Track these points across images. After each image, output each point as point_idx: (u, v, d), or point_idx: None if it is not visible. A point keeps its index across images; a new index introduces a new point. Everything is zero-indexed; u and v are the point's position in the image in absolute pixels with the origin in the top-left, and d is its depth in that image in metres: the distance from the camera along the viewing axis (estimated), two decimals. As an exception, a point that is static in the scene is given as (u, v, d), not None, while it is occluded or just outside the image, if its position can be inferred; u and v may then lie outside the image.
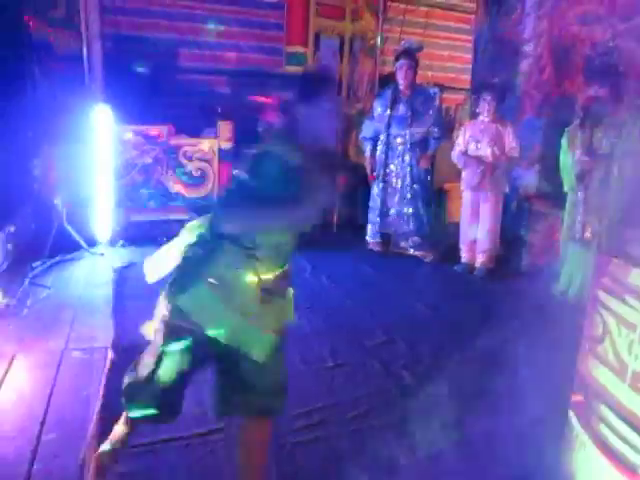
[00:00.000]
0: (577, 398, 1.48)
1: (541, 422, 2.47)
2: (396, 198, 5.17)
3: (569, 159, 4.03)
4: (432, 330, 3.56)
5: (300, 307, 3.76)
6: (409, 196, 5.12)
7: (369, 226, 5.36)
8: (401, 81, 5.01)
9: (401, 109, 5.03)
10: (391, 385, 2.80)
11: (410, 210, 5.13)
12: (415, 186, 5.11)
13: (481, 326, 3.61)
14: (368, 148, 5.29)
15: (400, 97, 5.06)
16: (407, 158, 5.07)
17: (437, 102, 5.28)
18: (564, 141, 4.09)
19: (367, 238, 5.38)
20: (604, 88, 3.77)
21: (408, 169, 5.08)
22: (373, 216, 5.31)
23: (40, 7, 4.91)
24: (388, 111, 5.05)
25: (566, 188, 4.12)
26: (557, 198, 4.43)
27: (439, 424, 2.43)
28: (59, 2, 5.06)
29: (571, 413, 1.53)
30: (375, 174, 5.23)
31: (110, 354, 2.91)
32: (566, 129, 4.09)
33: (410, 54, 5.00)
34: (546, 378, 2.92)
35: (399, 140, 5.07)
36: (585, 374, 1.45)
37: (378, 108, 5.15)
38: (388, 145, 5.11)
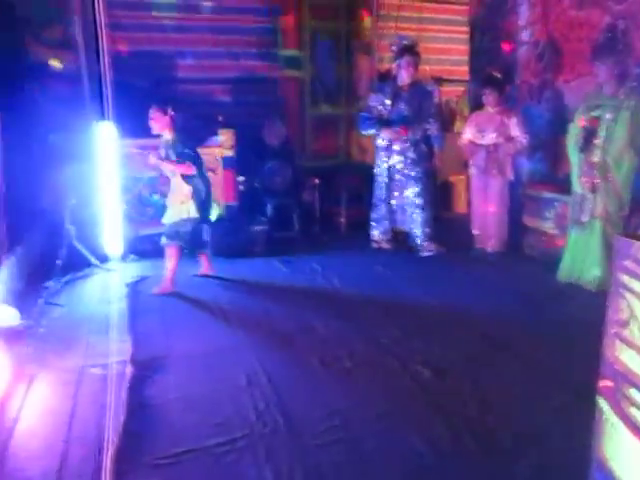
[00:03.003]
0: (605, 383, 1.46)
1: (568, 409, 2.46)
2: (402, 194, 5.14)
3: (574, 140, 4.02)
4: (446, 323, 3.54)
5: (314, 308, 3.80)
6: (416, 190, 5.09)
7: (374, 224, 5.32)
8: (404, 78, 4.91)
9: (401, 106, 4.98)
10: (410, 382, 2.78)
11: (418, 202, 5.10)
12: (420, 181, 5.09)
13: (495, 316, 3.62)
14: (372, 130, 5.17)
15: (400, 93, 4.99)
16: (410, 154, 5.03)
17: (436, 98, 5.29)
18: (572, 125, 4.08)
19: (374, 237, 5.33)
20: (605, 66, 3.76)
21: (412, 165, 5.05)
22: (379, 214, 5.27)
23: (36, 29, 4.95)
24: (388, 108, 4.99)
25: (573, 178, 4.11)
26: (563, 184, 4.42)
27: (462, 419, 2.43)
28: (55, 23, 5.10)
29: (600, 398, 1.51)
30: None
31: (128, 368, 2.91)
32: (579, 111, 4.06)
33: (413, 50, 4.92)
34: (565, 365, 2.91)
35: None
36: (612, 359, 1.43)
37: (377, 105, 5.08)
38: (390, 142, 5.07)
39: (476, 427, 2.37)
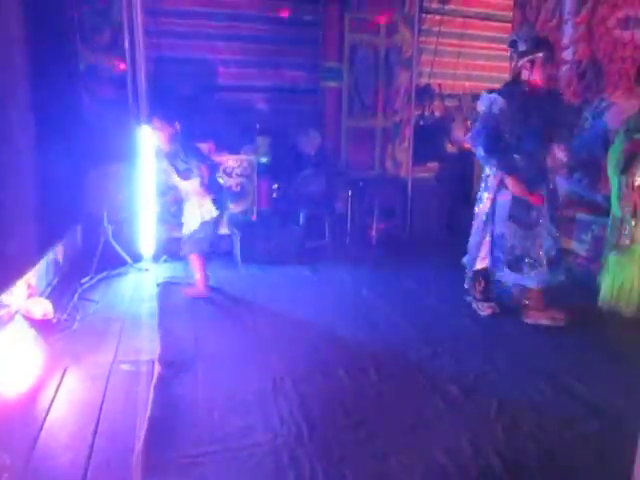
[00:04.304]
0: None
1: (599, 435, 2.40)
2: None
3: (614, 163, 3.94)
4: (478, 343, 3.49)
5: (342, 318, 3.80)
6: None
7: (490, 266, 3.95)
8: (538, 80, 3.63)
9: (535, 119, 3.64)
10: (438, 399, 2.75)
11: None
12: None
13: (527, 336, 3.55)
14: (496, 163, 3.71)
15: (532, 102, 3.65)
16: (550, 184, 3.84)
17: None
18: (613, 147, 4.00)
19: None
20: None
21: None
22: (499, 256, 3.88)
23: (86, 34, 5.12)
24: (518, 120, 3.63)
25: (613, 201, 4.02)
26: (601, 206, 4.32)
27: (489, 440, 2.38)
28: (104, 29, 5.27)
29: None
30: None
31: (157, 367, 2.96)
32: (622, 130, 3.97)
33: (549, 45, 3.72)
34: (602, 392, 2.83)
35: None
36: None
37: (500, 115, 3.64)
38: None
39: (502, 448, 2.32)
